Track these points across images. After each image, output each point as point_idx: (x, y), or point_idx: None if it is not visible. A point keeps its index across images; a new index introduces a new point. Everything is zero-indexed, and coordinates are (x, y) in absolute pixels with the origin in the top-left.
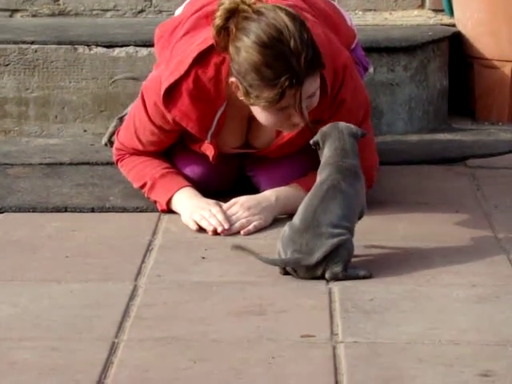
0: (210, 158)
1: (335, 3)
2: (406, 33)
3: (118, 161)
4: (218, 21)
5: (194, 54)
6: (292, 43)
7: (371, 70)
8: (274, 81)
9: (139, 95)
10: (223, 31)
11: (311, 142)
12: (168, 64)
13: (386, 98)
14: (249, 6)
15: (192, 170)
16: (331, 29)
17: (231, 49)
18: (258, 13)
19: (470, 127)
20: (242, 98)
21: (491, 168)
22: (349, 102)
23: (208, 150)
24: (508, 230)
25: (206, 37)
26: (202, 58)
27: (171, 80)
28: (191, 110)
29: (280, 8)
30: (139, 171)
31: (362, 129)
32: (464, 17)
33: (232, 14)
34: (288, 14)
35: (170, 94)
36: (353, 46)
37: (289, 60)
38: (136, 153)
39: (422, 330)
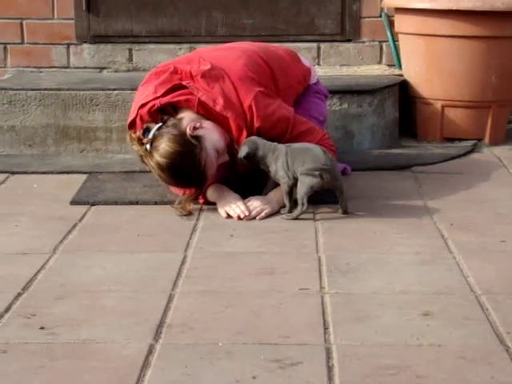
0: None
1: (299, 53)
2: (369, 80)
3: None
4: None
5: (139, 105)
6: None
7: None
8: None
9: None
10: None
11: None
12: (134, 102)
13: (357, 125)
14: (144, 150)
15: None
16: (283, 66)
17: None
18: (151, 149)
19: (413, 145)
20: None
21: (428, 173)
22: (263, 126)
23: None
24: (440, 214)
25: (147, 93)
26: (143, 106)
27: (129, 119)
28: None
29: (164, 146)
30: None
31: (297, 132)
32: (408, 69)
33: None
34: (166, 152)
35: (132, 125)
36: (314, 81)
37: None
38: None
39: (382, 284)
